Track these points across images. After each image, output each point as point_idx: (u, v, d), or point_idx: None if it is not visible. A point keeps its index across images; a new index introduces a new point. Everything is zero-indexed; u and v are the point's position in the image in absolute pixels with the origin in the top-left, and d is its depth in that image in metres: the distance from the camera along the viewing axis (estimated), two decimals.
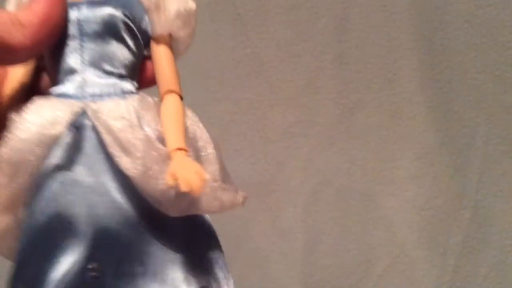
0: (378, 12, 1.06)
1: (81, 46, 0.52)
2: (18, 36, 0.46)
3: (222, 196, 0.50)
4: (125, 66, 0.53)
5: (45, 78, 0.54)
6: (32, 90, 0.53)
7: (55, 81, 0.53)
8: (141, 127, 0.50)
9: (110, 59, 0.53)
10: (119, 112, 0.50)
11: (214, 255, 0.52)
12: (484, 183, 1.03)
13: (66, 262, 0.47)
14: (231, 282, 0.52)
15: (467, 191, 1.03)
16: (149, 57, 0.54)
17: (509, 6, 1.05)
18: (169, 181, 0.47)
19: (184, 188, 0.46)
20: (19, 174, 0.49)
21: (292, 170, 1.04)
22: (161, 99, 0.53)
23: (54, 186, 0.48)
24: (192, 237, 0.51)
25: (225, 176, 0.52)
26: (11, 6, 0.52)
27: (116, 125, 0.49)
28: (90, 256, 0.47)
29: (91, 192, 0.48)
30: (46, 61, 0.53)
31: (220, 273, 0.52)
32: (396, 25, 1.06)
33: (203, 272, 0.50)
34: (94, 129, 0.50)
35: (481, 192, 1.03)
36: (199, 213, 0.51)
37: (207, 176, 0.48)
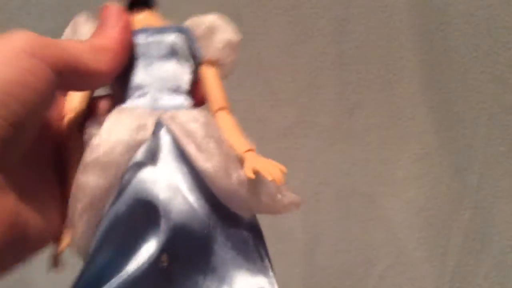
0: (378, 12, 1.06)
1: (149, 65, 0.59)
2: (104, 61, 0.49)
3: (286, 194, 0.54)
4: (185, 84, 0.59)
5: (101, 104, 0.59)
6: (88, 116, 0.57)
7: (123, 100, 0.58)
8: (213, 131, 0.54)
9: (174, 78, 0.59)
10: (192, 116, 0.55)
11: (264, 255, 0.55)
12: (484, 184, 1.03)
13: (145, 251, 0.50)
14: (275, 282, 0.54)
15: (467, 192, 1.03)
16: (196, 82, 0.60)
17: (509, 6, 1.05)
18: (249, 173, 0.51)
19: (268, 176, 0.49)
20: (107, 175, 0.53)
21: (292, 170, 1.03)
22: (214, 115, 0.58)
23: (136, 182, 0.52)
24: (254, 238, 0.54)
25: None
26: (84, 30, 0.59)
27: (191, 126, 0.54)
28: (164, 248, 0.50)
29: (167, 190, 0.52)
30: (112, 83, 0.58)
31: (271, 272, 0.54)
32: (396, 25, 1.06)
33: (260, 272, 0.53)
34: (170, 132, 0.54)
35: (481, 192, 1.03)
36: (268, 211, 0.55)
37: (284, 167, 0.51)
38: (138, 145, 0.54)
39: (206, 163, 0.52)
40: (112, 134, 0.54)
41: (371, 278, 1.02)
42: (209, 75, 0.60)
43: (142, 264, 0.50)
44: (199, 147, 0.53)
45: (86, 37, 0.57)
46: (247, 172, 0.51)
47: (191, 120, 0.55)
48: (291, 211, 0.57)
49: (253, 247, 0.54)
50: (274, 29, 1.04)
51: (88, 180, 0.53)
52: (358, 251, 1.02)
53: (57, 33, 0.99)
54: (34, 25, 1.03)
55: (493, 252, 1.02)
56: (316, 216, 1.04)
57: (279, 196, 0.53)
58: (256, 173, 0.51)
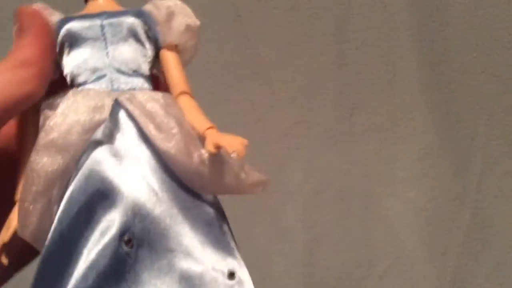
0: (378, 13, 1.06)
1: (105, 47, 0.57)
2: (29, 81, 0.47)
3: (251, 172, 0.52)
4: (145, 68, 0.58)
5: (57, 87, 0.56)
6: (44, 98, 0.55)
7: (78, 83, 0.56)
8: (174, 111, 0.53)
9: (132, 61, 0.58)
10: (151, 96, 0.54)
11: (230, 236, 0.53)
12: (485, 184, 1.03)
13: (105, 237, 0.48)
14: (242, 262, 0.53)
15: (467, 192, 1.03)
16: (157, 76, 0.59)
17: (509, 6, 1.05)
18: (211, 149, 0.49)
19: (229, 149, 0.48)
20: (63, 157, 0.51)
21: (292, 171, 1.04)
22: (176, 99, 0.56)
23: (92, 164, 0.51)
24: (217, 217, 0.52)
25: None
26: None
27: (149, 106, 0.53)
28: (126, 229, 0.49)
29: (126, 172, 0.51)
30: (65, 68, 0.57)
31: (238, 254, 0.52)
32: (396, 25, 1.06)
33: (229, 253, 0.51)
34: (128, 113, 0.53)
35: (481, 192, 1.03)
36: (232, 191, 0.52)
37: (246, 141, 0.49)
38: (95, 126, 0.52)
39: (166, 143, 0.52)
40: (68, 115, 0.53)
41: (371, 278, 1.02)
42: (170, 59, 0.59)
43: (104, 250, 0.48)
44: (158, 127, 0.52)
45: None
46: (209, 147, 0.50)
47: (150, 100, 0.54)
48: (257, 192, 0.55)
49: (219, 229, 0.52)
50: (274, 29, 1.04)
51: (44, 163, 0.51)
52: (358, 251, 1.02)
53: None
54: None
55: (493, 252, 1.02)
56: (316, 216, 1.04)
57: (242, 175, 0.52)
58: (217, 148, 0.50)
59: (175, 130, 0.52)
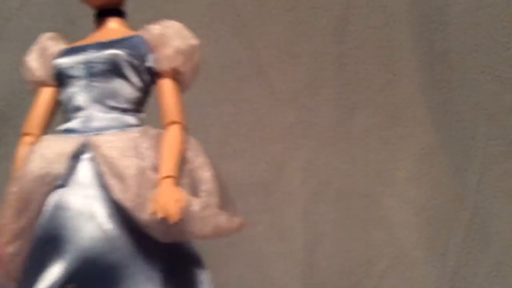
0: (378, 13, 1.06)
1: (88, 85, 0.61)
2: None
3: (215, 221, 0.56)
4: (129, 101, 0.61)
5: None
6: None
7: (64, 119, 0.62)
8: (137, 157, 0.57)
9: (114, 95, 0.60)
10: (116, 143, 0.57)
11: (198, 278, 0.57)
12: (484, 184, 1.03)
13: (48, 282, 0.53)
14: None
15: (467, 192, 1.03)
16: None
17: (509, 6, 1.05)
18: (152, 207, 0.53)
19: (160, 213, 0.52)
20: (27, 210, 0.56)
21: (292, 171, 1.04)
22: (165, 128, 0.61)
23: (48, 210, 0.55)
24: (176, 261, 0.56)
25: (224, 201, 0.58)
26: (52, 51, 0.66)
27: (111, 154, 0.56)
28: (70, 277, 0.52)
29: (79, 216, 0.55)
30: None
31: None
32: (396, 25, 1.06)
33: None
34: (93, 159, 0.57)
35: (481, 192, 1.03)
36: (193, 238, 0.56)
37: (187, 203, 0.53)
38: (54, 178, 0.56)
39: (122, 194, 0.54)
40: (30, 167, 0.57)
41: (371, 278, 1.02)
42: (163, 86, 0.61)
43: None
44: (116, 176, 0.55)
45: (50, 59, 0.62)
46: (151, 205, 0.53)
47: (113, 147, 0.57)
48: (227, 235, 0.57)
49: (180, 270, 0.56)
50: (274, 30, 1.04)
51: (7, 215, 0.57)
52: (357, 251, 1.02)
53: (57, 33, 0.97)
54: (34, 25, 1.03)
55: (493, 252, 1.02)
56: (316, 216, 1.04)
57: (203, 222, 0.55)
58: (153, 213, 0.53)
59: (132, 182, 0.55)
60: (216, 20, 1.05)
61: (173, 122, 0.61)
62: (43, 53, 0.64)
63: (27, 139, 0.64)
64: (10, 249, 0.57)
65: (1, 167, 1.03)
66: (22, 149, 0.63)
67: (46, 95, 0.65)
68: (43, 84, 0.65)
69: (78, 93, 0.61)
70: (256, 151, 0.99)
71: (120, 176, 0.55)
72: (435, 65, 1.05)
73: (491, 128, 1.04)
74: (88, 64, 0.61)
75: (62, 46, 0.65)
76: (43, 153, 0.58)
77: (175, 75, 0.62)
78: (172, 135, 0.60)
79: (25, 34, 1.04)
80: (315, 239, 1.04)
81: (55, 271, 0.53)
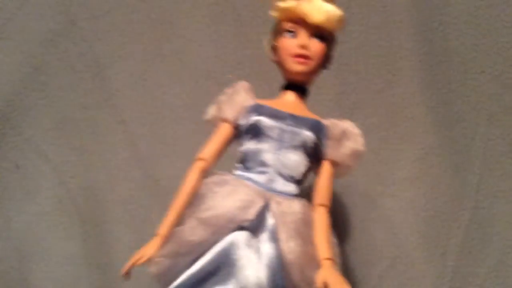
0: (378, 12, 1.06)
1: (278, 149, 0.68)
2: None
3: None
4: (301, 175, 0.69)
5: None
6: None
7: (243, 167, 0.70)
8: (305, 228, 0.65)
9: (295, 168, 0.68)
10: (294, 208, 0.65)
11: None
12: (484, 184, 1.03)
13: None
14: None
15: (467, 192, 1.03)
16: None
17: (509, 6, 1.05)
18: (319, 284, 0.61)
19: (330, 284, 0.60)
20: (210, 235, 0.63)
21: None
22: (314, 207, 0.69)
23: (226, 244, 0.63)
24: None
25: None
26: (240, 98, 0.76)
27: (290, 218, 0.64)
28: None
29: (248, 261, 0.62)
30: (241, 144, 0.72)
31: None
32: (396, 25, 1.06)
33: None
34: (273, 215, 0.64)
35: (481, 192, 1.03)
36: None
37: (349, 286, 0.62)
38: (240, 221, 0.63)
39: (289, 254, 0.62)
40: (224, 201, 0.64)
41: (371, 278, 1.02)
42: (326, 172, 0.70)
43: None
44: (289, 235, 0.62)
45: (240, 104, 0.71)
46: (318, 282, 0.61)
47: (292, 212, 0.65)
48: None
49: None
50: None
51: (194, 234, 0.63)
52: (358, 251, 1.02)
53: (57, 33, 1.00)
54: (34, 25, 1.03)
55: (493, 252, 1.02)
56: None
57: None
58: (325, 285, 0.60)
59: (299, 248, 0.62)
60: (216, 21, 1.05)
61: (323, 205, 0.68)
62: (233, 97, 0.73)
63: (201, 163, 0.71)
64: (173, 259, 0.66)
65: (1, 167, 1.03)
66: (194, 173, 0.70)
67: (227, 131, 0.73)
68: (225, 121, 0.73)
69: (268, 152, 0.68)
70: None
71: (294, 236, 0.63)
72: (435, 65, 1.05)
73: (491, 128, 1.04)
74: (282, 131, 0.69)
75: (250, 97, 0.74)
76: (235, 196, 0.65)
77: (337, 165, 0.70)
78: (324, 219, 0.67)
79: (25, 34, 1.04)
80: None
81: None
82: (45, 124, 1.04)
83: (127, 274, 0.66)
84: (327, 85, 1.02)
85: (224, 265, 0.62)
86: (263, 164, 0.69)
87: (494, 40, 1.04)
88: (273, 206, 0.66)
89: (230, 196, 0.66)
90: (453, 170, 1.03)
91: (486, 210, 1.03)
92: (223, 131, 0.73)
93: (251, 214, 0.64)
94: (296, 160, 0.69)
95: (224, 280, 0.62)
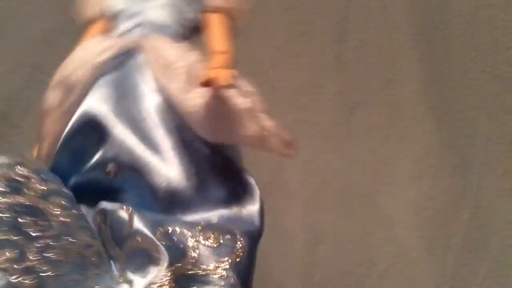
0: (378, 12, 1.06)
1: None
2: None
3: (263, 122, 0.58)
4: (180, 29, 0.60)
5: None
6: None
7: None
8: (187, 54, 0.57)
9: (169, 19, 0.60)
10: (169, 40, 0.58)
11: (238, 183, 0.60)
12: (484, 183, 1.03)
13: (92, 159, 0.56)
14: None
15: (467, 191, 1.03)
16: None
17: (509, 6, 1.04)
18: (202, 80, 0.53)
19: (211, 74, 0.51)
20: (72, 93, 0.58)
21: (292, 170, 1.04)
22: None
23: (92, 99, 0.57)
24: (218, 166, 0.58)
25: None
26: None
27: (163, 46, 0.57)
28: (110, 159, 0.55)
29: (123, 113, 0.56)
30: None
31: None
32: (396, 25, 1.06)
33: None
34: (141, 51, 0.58)
35: (481, 192, 1.03)
36: (240, 140, 0.58)
37: (236, 72, 0.55)
38: (101, 65, 0.58)
39: (171, 82, 0.55)
40: (80, 54, 0.59)
41: (371, 278, 1.02)
42: (214, 22, 0.60)
43: (92, 169, 0.56)
44: (165, 66, 0.56)
45: None
46: (201, 78, 0.53)
47: (166, 41, 0.58)
48: (276, 143, 0.58)
49: (212, 171, 0.57)
50: (274, 29, 1.04)
51: (55, 98, 0.59)
52: (357, 250, 1.02)
53: (57, 33, 1.00)
54: (34, 25, 1.03)
55: (493, 252, 1.02)
56: (316, 216, 1.04)
57: (252, 120, 0.57)
58: (208, 82, 0.52)
59: (182, 71, 0.55)
60: None
61: (223, 52, 0.58)
62: None
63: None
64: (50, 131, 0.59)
65: None
66: None
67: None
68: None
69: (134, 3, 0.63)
70: (256, 150, 0.98)
71: (169, 66, 0.56)
72: (435, 65, 1.05)
73: (491, 128, 1.04)
74: None
75: None
76: (92, 44, 0.60)
77: (228, 15, 0.62)
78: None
79: (25, 34, 1.04)
80: (315, 238, 1.04)
81: (98, 153, 0.56)
82: None
83: None
84: (327, 85, 1.02)
85: (93, 126, 0.57)
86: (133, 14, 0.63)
87: (494, 40, 1.04)
88: (142, 41, 0.58)
89: (85, 47, 0.60)
90: (453, 170, 1.03)
91: (486, 209, 1.02)
92: None
93: (114, 50, 0.57)
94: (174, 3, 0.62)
95: (97, 143, 0.57)
